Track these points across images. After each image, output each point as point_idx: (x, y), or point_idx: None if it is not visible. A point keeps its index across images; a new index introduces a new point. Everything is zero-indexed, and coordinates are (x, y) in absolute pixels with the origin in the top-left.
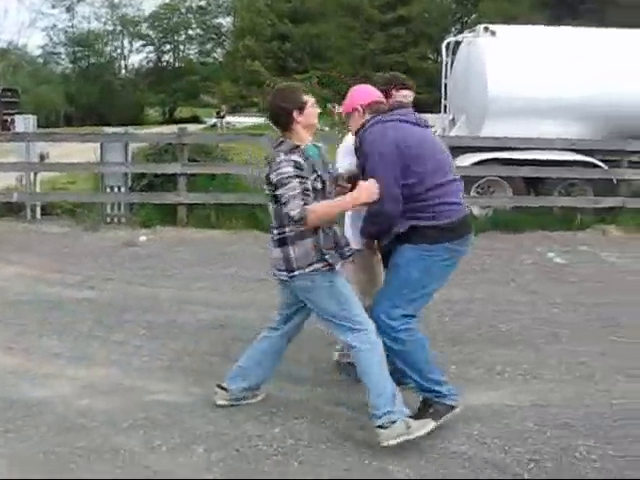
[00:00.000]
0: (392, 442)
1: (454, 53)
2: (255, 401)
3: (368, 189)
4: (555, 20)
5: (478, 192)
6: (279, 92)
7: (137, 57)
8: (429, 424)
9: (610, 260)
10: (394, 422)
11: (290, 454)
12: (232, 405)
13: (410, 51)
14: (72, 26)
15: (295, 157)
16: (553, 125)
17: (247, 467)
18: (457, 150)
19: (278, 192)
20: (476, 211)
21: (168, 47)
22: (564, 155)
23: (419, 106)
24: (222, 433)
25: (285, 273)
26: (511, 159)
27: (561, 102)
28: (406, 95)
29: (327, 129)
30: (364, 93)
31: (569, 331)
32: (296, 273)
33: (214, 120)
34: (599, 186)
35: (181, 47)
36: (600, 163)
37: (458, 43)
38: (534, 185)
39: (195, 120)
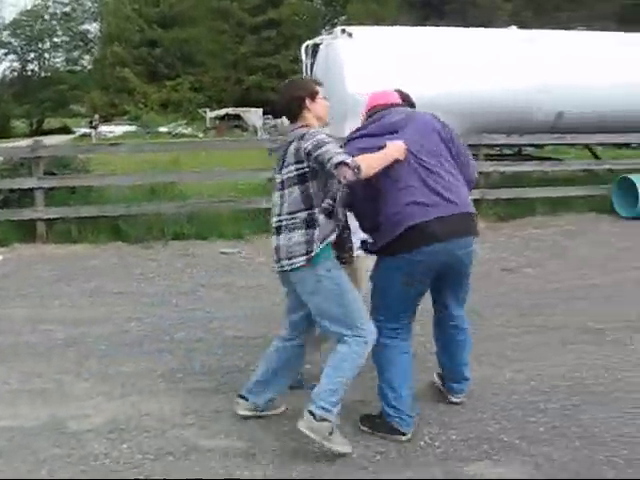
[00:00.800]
0: (307, 433)
1: (314, 56)
2: (279, 412)
3: (398, 145)
4: (422, 20)
5: None
6: (291, 82)
7: None
8: (346, 447)
9: None
10: (325, 420)
11: (137, 468)
12: (258, 416)
13: (282, 54)
14: None
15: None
16: None
17: None
18: None
19: (318, 152)
20: None
21: (32, 55)
22: None
23: None
24: (68, 454)
25: (302, 258)
26: None
27: (420, 99)
28: None
29: (201, 135)
30: (369, 99)
31: (425, 320)
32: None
33: (84, 130)
34: None
35: (46, 55)
36: None
37: (317, 45)
38: None
39: (65, 130)
